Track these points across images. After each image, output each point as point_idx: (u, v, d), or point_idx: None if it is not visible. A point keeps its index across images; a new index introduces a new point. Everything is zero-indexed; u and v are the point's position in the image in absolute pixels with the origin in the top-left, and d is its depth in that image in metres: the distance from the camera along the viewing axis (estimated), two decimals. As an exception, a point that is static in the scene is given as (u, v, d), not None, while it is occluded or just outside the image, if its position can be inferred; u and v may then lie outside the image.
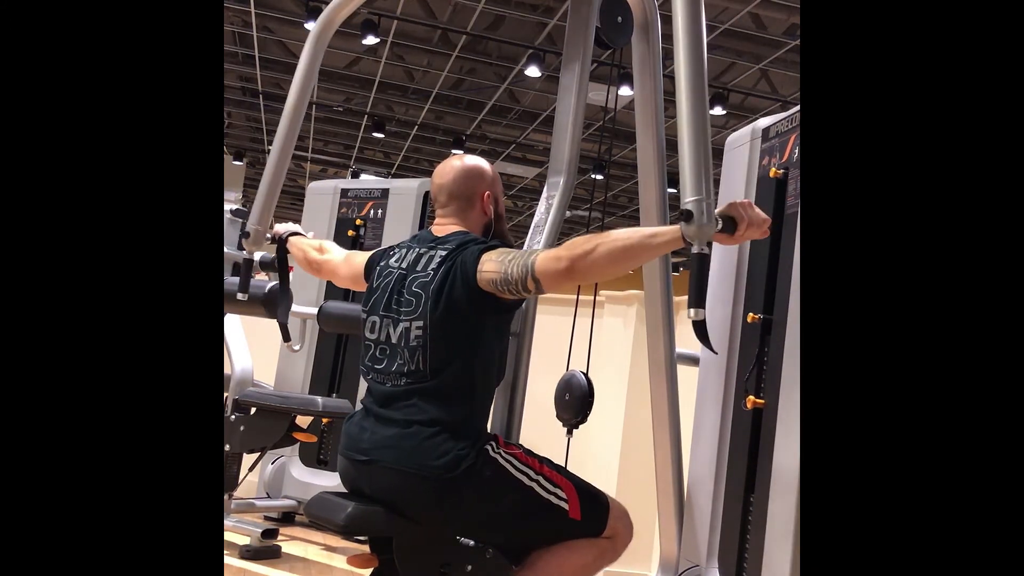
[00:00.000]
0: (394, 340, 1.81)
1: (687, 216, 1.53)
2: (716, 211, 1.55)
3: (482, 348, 1.80)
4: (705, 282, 1.57)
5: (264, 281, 3.48)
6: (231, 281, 3.24)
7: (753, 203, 1.58)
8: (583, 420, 2.12)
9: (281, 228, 2.38)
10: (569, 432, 2.18)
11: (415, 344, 1.78)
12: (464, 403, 1.75)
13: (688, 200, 1.54)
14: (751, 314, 2.16)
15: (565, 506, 1.79)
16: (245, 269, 2.55)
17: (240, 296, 2.51)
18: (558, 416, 2.18)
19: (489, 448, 1.75)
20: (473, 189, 1.92)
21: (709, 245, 1.54)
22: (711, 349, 1.70)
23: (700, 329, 1.62)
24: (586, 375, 2.14)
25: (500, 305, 1.80)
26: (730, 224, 1.55)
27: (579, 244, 1.64)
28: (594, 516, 1.83)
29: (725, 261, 2.32)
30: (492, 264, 1.74)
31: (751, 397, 2.11)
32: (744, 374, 2.21)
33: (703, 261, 1.54)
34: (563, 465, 1.92)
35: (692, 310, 1.55)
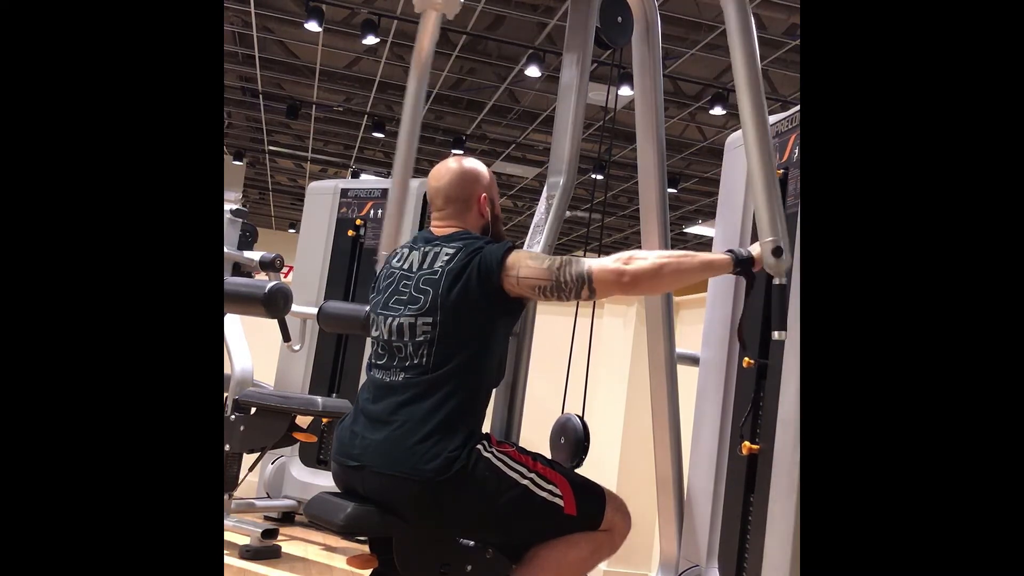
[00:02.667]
0: (394, 335, 1.81)
1: (779, 253, 1.81)
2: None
3: (487, 347, 1.80)
4: (787, 308, 1.86)
5: (264, 281, 3.48)
6: (231, 281, 3.24)
7: None
8: (579, 464, 2.13)
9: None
10: None
11: (422, 339, 1.78)
12: (460, 401, 1.75)
13: (768, 240, 1.81)
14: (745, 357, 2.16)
15: (560, 502, 1.79)
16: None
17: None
18: (553, 458, 2.18)
19: (481, 448, 1.75)
20: (469, 192, 1.93)
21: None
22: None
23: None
24: (582, 419, 2.13)
25: (512, 307, 1.83)
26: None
27: (635, 258, 1.76)
28: (590, 510, 1.83)
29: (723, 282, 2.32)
30: (532, 270, 1.77)
31: (746, 443, 2.12)
32: (744, 376, 2.21)
33: (784, 291, 1.84)
34: (559, 463, 1.91)
35: (776, 332, 1.84)
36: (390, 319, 1.83)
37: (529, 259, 1.79)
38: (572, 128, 2.15)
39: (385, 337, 1.84)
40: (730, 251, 1.87)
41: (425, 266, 1.84)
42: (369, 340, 1.94)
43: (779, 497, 1.96)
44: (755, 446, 2.10)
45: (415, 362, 1.78)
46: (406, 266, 1.88)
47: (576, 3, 2.19)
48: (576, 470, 1.96)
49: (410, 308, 1.81)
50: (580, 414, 2.15)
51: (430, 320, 1.78)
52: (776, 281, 1.83)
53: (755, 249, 1.87)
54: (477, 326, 1.79)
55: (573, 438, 2.12)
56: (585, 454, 2.10)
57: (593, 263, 1.77)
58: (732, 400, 2.27)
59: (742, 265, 1.85)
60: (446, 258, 1.82)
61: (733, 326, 2.27)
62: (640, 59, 2.29)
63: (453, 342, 1.77)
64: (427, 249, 1.87)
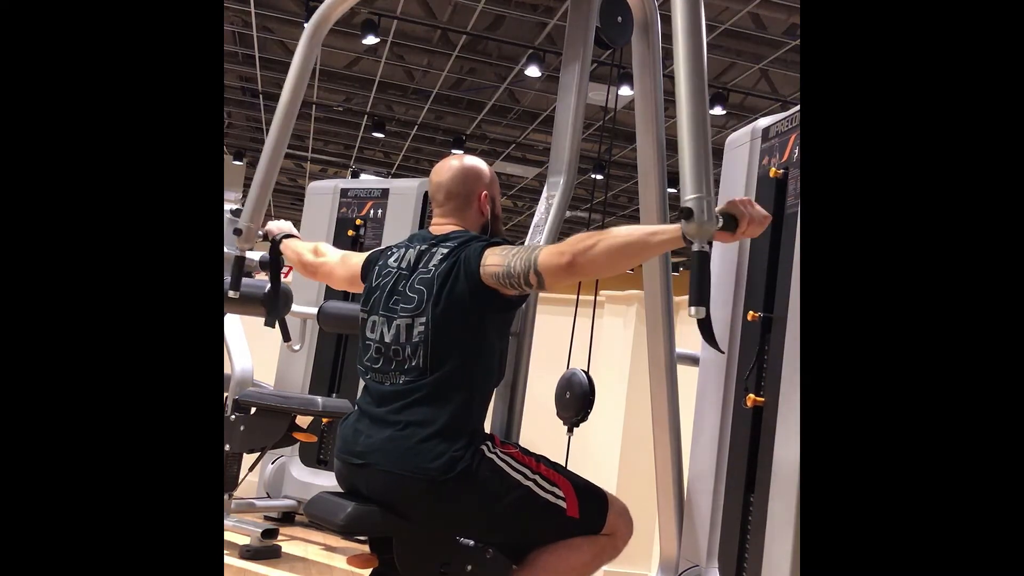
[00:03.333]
0: (392, 339, 1.81)
1: (687, 214, 1.52)
2: (716, 209, 1.55)
3: (483, 346, 1.80)
4: (707, 280, 1.56)
5: (264, 281, 3.48)
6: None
7: (751, 200, 1.59)
8: (584, 419, 2.12)
9: (274, 228, 2.37)
10: (570, 431, 2.17)
11: (417, 340, 1.78)
12: (462, 402, 1.75)
13: (688, 198, 1.53)
14: (751, 312, 2.16)
15: (563, 504, 1.78)
16: (236, 267, 2.55)
17: (231, 294, 2.50)
18: (559, 414, 2.17)
19: (485, 448, 1.75)
20: (471, 189, 1.93)
21: (710, 243, 1.53)
22: (717, 348, 1.68)
23: (705, 328, 1.61)
24: (587, 373, 2.13)
25: (502, 303, 1.80)
26: (731, 222, 1.55)
27: (581, 240, 1.65)
28: (593, 514, 1.83)
29: (725, 260, 2.32)
30: (496, 258, 1.75)
31: (751, 396, 2.11)
32: (744, 372, 2.21)
33: (704, 259, 1.53)
34: (562, 464, 1.91)
35: (693, 308, 1.55)
36: (394, 321, 1.83)
37: (499, 250, 1.76)
38: (572, 128, 2.15)
39: (387, 341, 1.82)
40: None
41: (421, 266, 1.84)
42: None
43: (779, 497, 1.96)
44: (760, 398, 2.07)
45: (413, 364, 1.77)
46: (403, 265, 1.88)
47: (576, 3, 2.19)
48: (577, 472, 1.96)
49: (405, 308, 1.81)
50: (586, 368, 2.15)
51: (424, 320, 1.78)
52: (695, 246, 1.54)
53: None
54: (469, 325, 1.78)
55: (579, 392, 2.12)
56: (591, 408, 2.10)
57: (542, 249, 1.70)
58: (732, 400, 2.27)
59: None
60: (439, 258, 1.82)
61: (734, 326, 2.27)
62: (640, 59, 2.29)
63: (448, 342, 1.76)
64: (424, 248, 1.87)
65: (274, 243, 2.36)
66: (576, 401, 2.11)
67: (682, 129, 1.60)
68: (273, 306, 2.59)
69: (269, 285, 2.61)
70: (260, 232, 2.44)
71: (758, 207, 1.58)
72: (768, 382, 2.12)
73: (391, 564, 1.76)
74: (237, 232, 2.43)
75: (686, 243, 1.55)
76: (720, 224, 1.54)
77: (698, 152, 1.57)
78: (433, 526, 1.76)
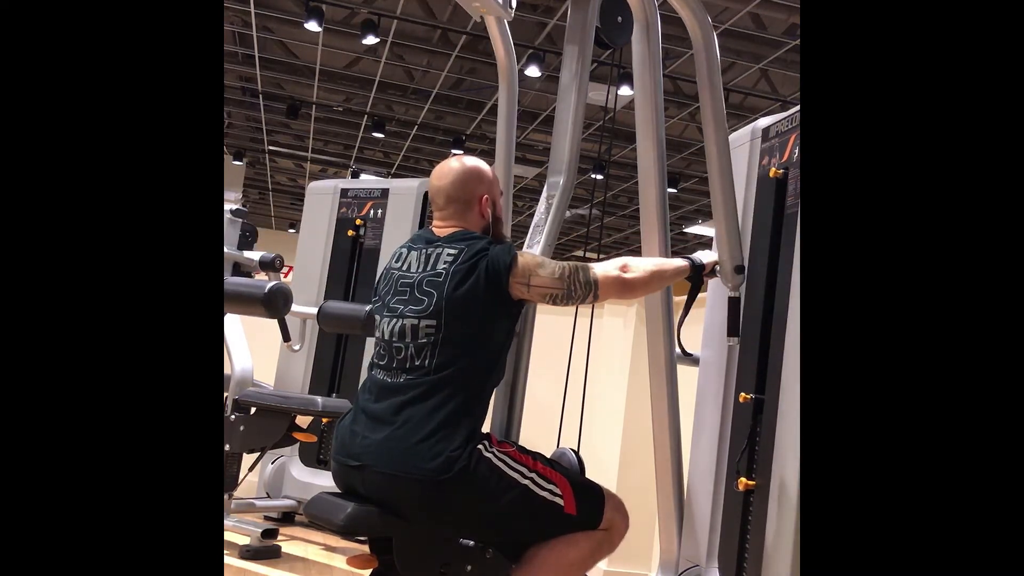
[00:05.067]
0: (397, 337, 1.81)
1: (741, 271, 2.25)
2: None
3: (489, 349, 1.81)
4: (739, 318, 2.24)
5: (264, 281, 3.48)
6: (231, 281, 3.24)
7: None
8: None
9: None
10: None
11: (424, 341, 1.78)
12: (461, 401, 1.75)
13: (727, 258, 2.21)
14: (751, 316, 2.16)
15: (560, 502, 1.79)
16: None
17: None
18: None
19: (482, 448, 1.75)
20: (471, 192, 1.92)
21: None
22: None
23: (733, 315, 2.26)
24: (576, 452, 2.12)
25: (513, 309, 1.84)
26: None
27: (636, 267, 1.94)
28: (590, 510, 1.83)
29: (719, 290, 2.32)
30: (543, 280, 1.82)
31: (743, 479, 2.12)
32: (744, 374, 2.21)
33: (738, 303, 2.23)
34: (559, 462, 1.92)
35: (729, 339, 2.27)
36: (393, 321, 1.83)
37: (539, 267, 1.83)
38: (572, 128, 2.15)
39: (387, 338, 1.84)
40: (687, 257, 2.20)
41: (428, 268, 1.84)
42: (371, 340, 1.95)
43: (779, 497, 1.96)
44: (751, 482, 2.12)
45: (417, 363, 1.78)
46: (404, 267, 1.88)
47: (576, 3, 2.19)
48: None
49: (412, 309, 1.81)
50: (575, 448, 2.13)
51: (433, 323, 1.78)
52: (731, 294, 2.21)
53: (707, 257, 2.23)
54: (480, 328, 1.79)
55: None
56: None
57: (597, 271, 1.88)
58: (732, 400, 2.27)
59: (694, 271, 2.20)
60: (449, 259, 1.82)
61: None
62: (640, 59, 2.29)
63: (456, 344, 1.77)
64: (428, 250, 1.87)
65: None
66: None
67: (717, 207, 2.23)
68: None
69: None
70: None
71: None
72: (769, 377, 2.12)
73: (391, 564, 1.76)
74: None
75: (687, 278, 2.22)
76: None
77: (731, 223, 2.20)
78: (432, 526, 1.76)
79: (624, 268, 1.91)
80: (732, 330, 2.18)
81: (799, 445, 1.39)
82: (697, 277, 2.22)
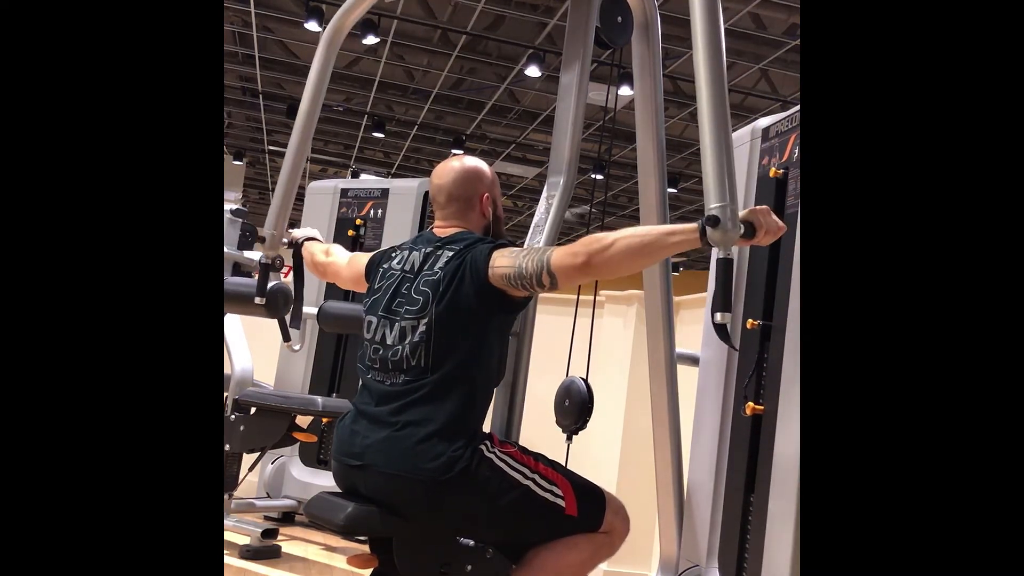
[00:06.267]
0: (394, 340, 1.81)
1: (713, 222, 1.55)
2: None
3: (485, 347, 1.80)
4: (730, 286, 1.60)
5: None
6: (231, 281, 3.24)
7: (770, 210, 1.61)
8: (582, 426, 2.12)
9: (298, 233, 2.43)
10: (569, 438, 2.18)
11: (418, 340, 1.78)
12: (461, 402, 1.75)
13: (713, 206, 1.56)
14: (750, 320, 2.16)
15: (562, 503, 1.79)
16: (262, 273, 2.57)
17: (258, 300, 2.52)
18: (557, 422, 2.18)
19: (484, 448, 1.75)
20: (472, 191, 1.92)
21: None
22: (734, 347, 1.67)
23: (722, 330, 1.65)
24: (585, 381, 2.13)
25: (507, 304, 1.81)
26: (749, 229, 1.59)
27: (596, 240, 1.66)
28: (591, 512, 1.83)
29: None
30: (505, 259, 1.76)
31: (750, 403, 2.10)
32: (744, 379, 2.21)
33: (728, 266, 1.58)
34: (561, 463, 1.92)
35: (718, 314, 1.60)
36: (396, 323, 1.83)
37: (508, 252, 1.78)
38: (572, 128, 2.15)
39: (386, 341, 1.83)
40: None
41: (427, 268, 1.84)
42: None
43: (779, 497, 1.96)
44: (759, 407, 2.07)
45: (413, 364, 1.78)
46: (407, 267, 1.88)
47: (576, 3, 2.19)
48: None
49: (409, 310, 1.81)
50: (584, 376, 2.15)
51: (426, 321, 1.78)
52: (720, 254, 1.60)
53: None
54: (472, 325, 1.78)
55: (578, 400, 2.12)
56: (589, 415, 2.10)
57: (555, 250, 1.71)
58: (732, 400, 2.27)
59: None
60: (446, 259, 1.82)
61: (734, 327, 2.27)
62: (640, 59, 2.29)
63: (449, 342, 1.77)
64: (429, 251, 1.87)
65: (297, 246, 2.39)
66: (575, 408, 2.11)
67: (704, 139, 1.64)
68: (296, 308, 2.62)
69: (292, 290, 2.62)
70: (285, 240, 2.46)
71: (774, 217, 1.61)
72: (768, 383, 2.12)
73: (391, 564, 1.76)
74: (260, 240, 2.46)
75: (703, 245, 1.58)
76: (742, 232, 1.58)
77: (720, 161, 1.61)
78: (432, 526, 1.76)
79: (589, 243, 1.65)
80: (720, 303, 1.60)
81: (799, 448, 1.39)
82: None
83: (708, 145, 1.63)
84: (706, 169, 1.62)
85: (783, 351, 2.04)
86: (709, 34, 1.70)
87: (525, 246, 2.06)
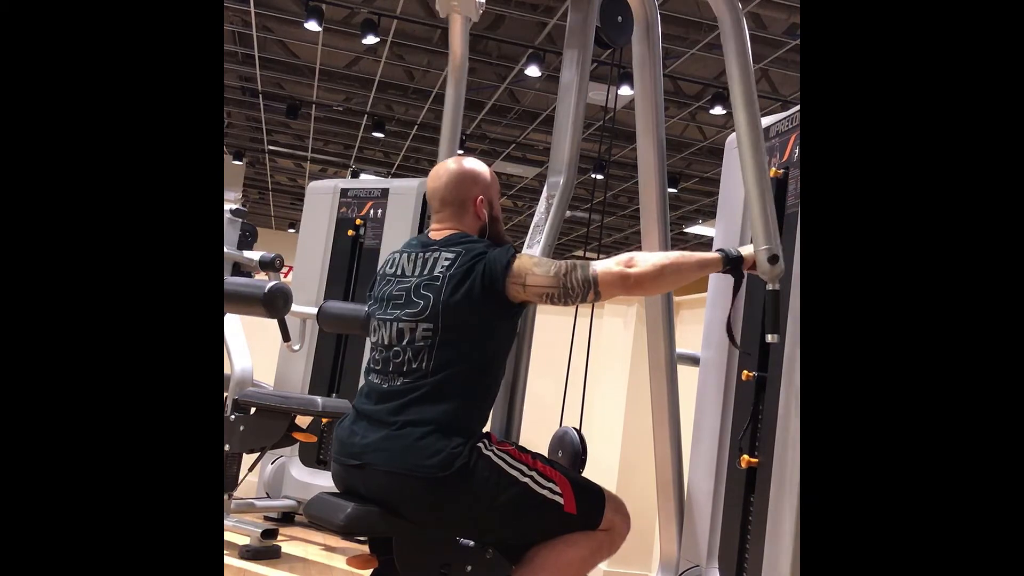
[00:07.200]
0: (393, 341, 1.81)
1: (774, 260, 1.92)
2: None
3: (488, 351, 1.81)
4: (784, 312, 1.98)
5: (264, 281, 3.48)
6: (231, 281, 3.24)
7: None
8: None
9: None
10: None
11: (421, 344, 1.78)
12: (461, 403, 1.75)
13: (763, 247, 1.92)
14: (750, 320, 2.16)
15: (560, 500, 1.79)
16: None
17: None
18: None
19: (482, 446, 1.75)
20: (465, 195, 1.91)
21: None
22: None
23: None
24: (579, 431, 2.12)
25: (513, 311, 1.83)
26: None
27: (644, 261, 1.80)
28: (590, 510, 1.83)
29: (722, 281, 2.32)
30: (540, 279, 1.77)
31: (745, 456, 2.11)
32: (744, 378, 2.21)
33: (778, 296, 1.94)
34: (559, 462, 1.92)
35: (770, 336, 1.94)
36: (389, 324, 1.83)
37: (535, 266, 1.79)
38: (572, 128, 2.15)
39: (385, 343, 1.83)
40: (721, 250, 1.95)
41: (425, 272, 1.83)
42: (368, 343, 1.94)
43: (779, 497, 1.96)
44: (754, 459, 2.11)
45: (414, 367, 1.78)
46: (399, 272, 1.88)
47: (576, 3, 2.19)
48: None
49: (407, 313, 1.81)
50: (577, 427, 2.14)
51: (430, 325, 1.78)
52: (769, 287, 1.93)
53: (745, 250, 1.96)
54: (479, 331, 1.79)
55: (571, 451, 2.11)
56: (583, 467, 2.10)
57: (597, 267, 1.79)
58: (732, 400, 2.27)
59: (732, 264, 1.93)
60: (446, 263, 1.81)
61: (736, 331, 2.26)
62: (640, 59, 2.29)
63: (454, 347, 1.77)
64: (425, 255, 1.86)
65: None
66: (568, 460, 2.10)
67: (748, 188, 1.97)
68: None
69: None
70: None
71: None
72: (768, 388, 2.12)
73: (391, 564, 1.76)
74: None
75: (723, 271, 1.93)
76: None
77: (764, 208, 1.94)
78: (432, 524, 1.76)
79: (629, 263, 1.79)
80: (771, 326, 1.92)
81: (799, 448, 1.39)
82: (738, 271, 1.95)
83: (753, 193, 1.95)
84: (753, 214, 1.95)
85: (784, 348, 2.04)
86: (745, 94, 2.02)
87: (526, 247, 2.07)
